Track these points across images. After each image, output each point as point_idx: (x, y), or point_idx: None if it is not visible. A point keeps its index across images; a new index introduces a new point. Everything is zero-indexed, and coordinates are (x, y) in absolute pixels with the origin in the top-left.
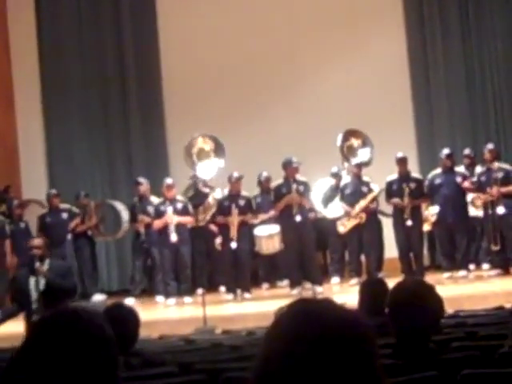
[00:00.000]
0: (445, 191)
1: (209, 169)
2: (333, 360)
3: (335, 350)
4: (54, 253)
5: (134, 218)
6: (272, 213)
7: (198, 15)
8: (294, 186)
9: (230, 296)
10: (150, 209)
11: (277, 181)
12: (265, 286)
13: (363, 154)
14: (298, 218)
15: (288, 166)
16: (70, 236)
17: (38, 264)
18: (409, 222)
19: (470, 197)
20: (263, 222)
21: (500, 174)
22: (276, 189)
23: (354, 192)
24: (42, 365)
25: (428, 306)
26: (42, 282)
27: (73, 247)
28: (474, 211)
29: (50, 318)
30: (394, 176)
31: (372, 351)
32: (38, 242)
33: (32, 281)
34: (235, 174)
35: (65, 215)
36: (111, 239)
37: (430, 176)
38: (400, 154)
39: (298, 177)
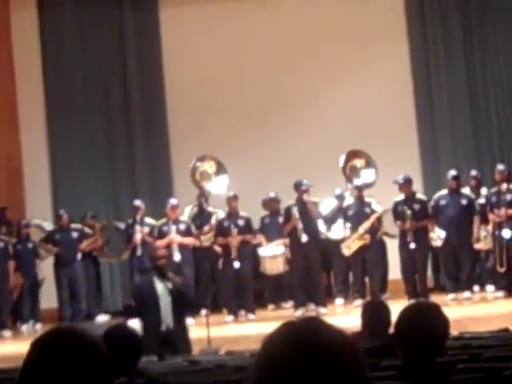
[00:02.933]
0: (450, 213)
1: (219, 186)
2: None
3: (325, 372)
4: (64, 272)
5: (129, 240)
6: (282, 241)
7: (203, 37)
8: (295, 209)
9: (231, 318)
10: (146, 229)
11: (288, 202)
12: (270, 307)
13: (367, 175)
14: (304, 239)
15: (297, 188)
16: (79, 256)
17: (171, 273)
18: (412, 246)
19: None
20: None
21: (509, 196)
22: (286, 210)
23: (357, 213)
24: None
25: (435, 327)
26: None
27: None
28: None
29: (47, 337)
30: (401, 197)
31: (362, 370)
32: (162, 252)
33: (160, 288)
34: (230, 194)
35: (75, 234)
36: (116, 261)
37: (435, 197)
38: (401, 179)
39: (306, 197)
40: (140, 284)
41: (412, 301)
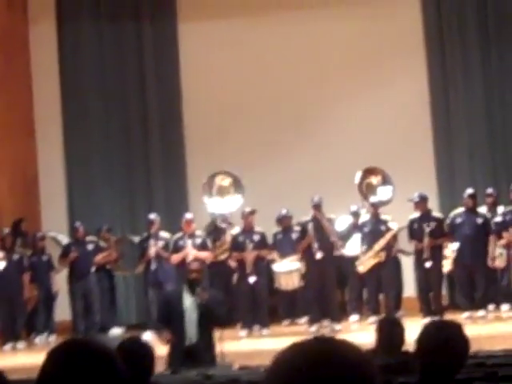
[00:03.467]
0: (465, 231)
1: (228, 204)
2: None
3: None
4: (78, 284)
5: (143, 254)
6: (295, 257)
7: (220, 52)
8: (311, 225)
9: (245, 332)
10: (161, 244)
11: (304, 218)
12: (285, 322)
13: (384, 193)
14: (319, 256)
15: (317, 207)
16: (93, 268)
17: (198, 289)
18: (427, 264)
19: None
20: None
21: None
22: (302, 226)
23: (372, 231)
24: None
25: (456, 346)
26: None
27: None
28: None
29: (62, 348)
30: (416, 215)
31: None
32: (196, 265)
33: (188, 302)
34: (247, 209)
35: (90, 247)
36: (130, 274)
37: (451, 215)
38: (416, 197)
39: (325, 214)
40: (169, 294)
41: (428, 319)
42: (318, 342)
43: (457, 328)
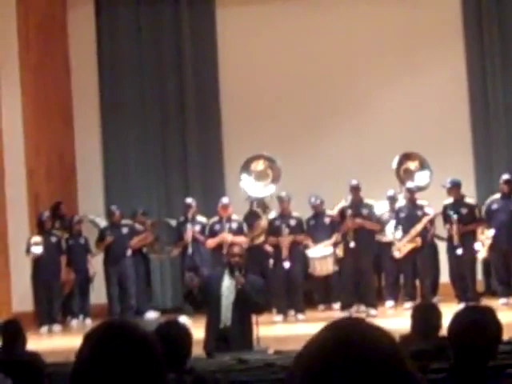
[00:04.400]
0: (501, 217)
1: (262, 189)
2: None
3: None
4: (113, 268)
5: (180, 238)
6: (333, 240)
7: (258, 37)
8: (349, 211)
9: (280, 317)
10: (198, 228)
11: (341, 203)
12: (320, 307)
13: (421, 178)
14: (352, 245)
15: (355, 189)
16: (129, 252)
17: (237, 273)
18: (459, 251)
19: None
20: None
21: None
22: (340, 211)
23: (409, 216)
24: (98, 378)
25: (488, 331)
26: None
27: (132, 263)
28: None
29: (99, 330)
30: (450, 200)
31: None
32: (238, 249)
33: (225, 285)
34: (283, 194)
35: (125, 230)
36: (166, 257)
37: (488, 201)
38: (448, 183)
39: (365, 199)
40: (208, 277)
41: (462, 304)
42: (349, 323)
43: (489, 313)
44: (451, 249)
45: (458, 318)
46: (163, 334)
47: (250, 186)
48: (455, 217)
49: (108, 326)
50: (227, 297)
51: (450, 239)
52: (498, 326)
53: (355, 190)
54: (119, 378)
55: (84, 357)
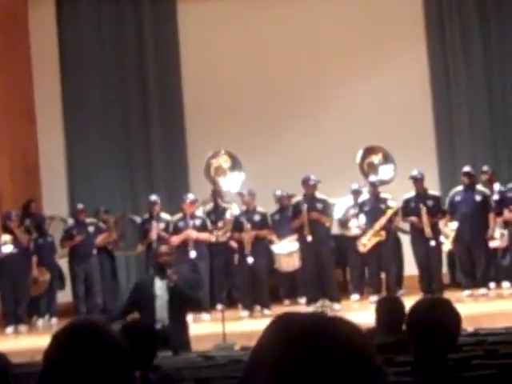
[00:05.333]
0: (463, 209)
1: (232, 183)
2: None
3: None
4: (80, 266)
5: (144, 235)
6: (293, 237)
7: (220, 32)
8: (305, 206)
9: (246, 313)
10: (162, 225)
11: (296, 198)
12: (286, 302)
13: (385, 171)
14: (309, 239)
15: (306, 184)
16: (95, 250)
17: (170, 271)
18: (432, 243)
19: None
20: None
21: None
22: (294, 206)
23: (372, 209)
24: (66, 377)
25: (446, 323)
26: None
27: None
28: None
29: (68, 329)
30: (412, 194)
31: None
32: (166, 248)
33: (158, 286)
34: (246, 190)
35: (91, 229)
36: (131, 254)
37: (451, 193)
38: (415, 173)
39: (317, 194)
40: (142, 280)
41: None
42: (313, 316)
43: (446, 304)
44: (417, 240)
45: (415, 312)
46: (129, 332)
47: (222, 181)
48: (424, 209)
49: (76, 325)
50: (161, 297)
51: (415, 231)
52: (455, 317)
53: (307, 184)
54: (87, 377)
55: (52, 357)
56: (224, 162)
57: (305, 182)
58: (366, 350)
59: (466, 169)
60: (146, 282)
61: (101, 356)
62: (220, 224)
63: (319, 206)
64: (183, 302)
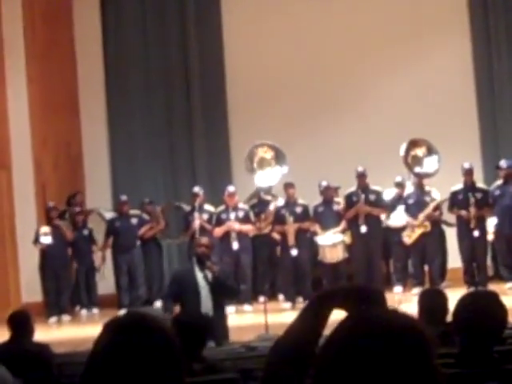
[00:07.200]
0: (503, 202)
1: (270, 176)
2: (394, 369)
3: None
4: (123, 258)
5: (187, 227)
6: (341, 227)
7: (264, 25)
8: (363, 196)
9: (288, 304)
10: (205, 217)
11: (349, 189)
12: None
13: (430, 163)
14: (363, 229)
15: (361, 176)
16: (139, 242)
17: (209, 263)
18: (476, 233)
19: None
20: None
21: None
22: (347, 196)
23: (417, 202)
24: (115, 368)
25: (493, 315)
26: (210, 277)
27: (142, 253)
28: None
29: (120, 320)
30: (460, 186)
31: (432, 356)
32: (205, 240)
33: (200, 276)
34: (286, 182)
35: (134, 221)
36: (174, 243)
37: (491, 187)
38: (467, 165)
39: (371, 186)
40: (181, 271)
41: (471, 289)
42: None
43: (493, 297)
44: (463, 233)
45: (462, 304)
46: (180, 325)
47: (258, 176)
48: (473, 200)
49: (127, 316)
50: (204, 288)
51: (461, 224)
52: (502, 311)
53: (361, 176)
54: (137, 369)
55: (103, 345)
56: (264, 152)
57: (360, 174)
58: (426, 342)
59: (500, 163)
60: (186, 273)
61: (151, 347)
62: (263, 216)
63: (372, 197)
64: (223, 292)
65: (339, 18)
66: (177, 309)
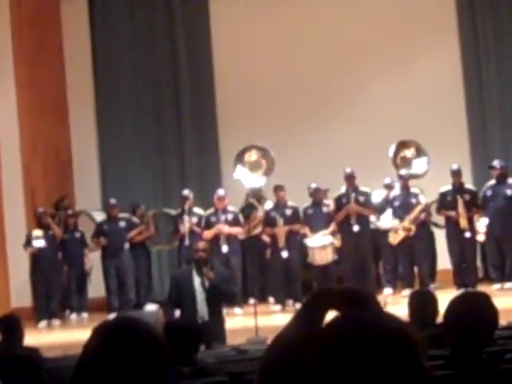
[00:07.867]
0: (494, 203)
1: (254, 180)
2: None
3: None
4: (111, 261)
5: (176, 230)
6: (331, 229)
7: (253, 27)
8: (353, 196)
9: (278, 307)
10: (194, 220)
11: (338, 192)
12: None
13: (419, 165)
14: (356, 228)
15: (350, 177)
16: (127, 245)
17: (205, 269)
18: (467, 234)
19: None
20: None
21: None
22: (337, 198)
23: (403, 204)
24: (105, 372)
25: (484, 317)
26: (206, 284)
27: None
28: None
29: (110, 324)
30: (448, 187)
31: (421, 359)
32: (203, 245)
33: (197, 281)
34: (276, 184)
35: (122, 224)
36: (166, 249)
37: (483, 188)
38: (455, 166)
39: (360, 187)
40: (179, 274)
41: (461, 291)
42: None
43: (484, 299)
44: (452, 234)
45: (453, 306)
46: (172, 331)
47: (245, 177)
48: (461, 201)
49: (117, 320)
50: (201, 292)
51: (450, 225)
52: (493, 312)
53: (349, 177)
54: (126, 372)
55: (92, 349)
56: (260, 159)
57: (348, 175)
58: (412, 343)
59: (494, 163)
60: (184, 277)
61: (139, 352)
62: (252, 218)
63: (361, 198)
64: (220, 296)
65: (327, 22)
66: (177, 314)
